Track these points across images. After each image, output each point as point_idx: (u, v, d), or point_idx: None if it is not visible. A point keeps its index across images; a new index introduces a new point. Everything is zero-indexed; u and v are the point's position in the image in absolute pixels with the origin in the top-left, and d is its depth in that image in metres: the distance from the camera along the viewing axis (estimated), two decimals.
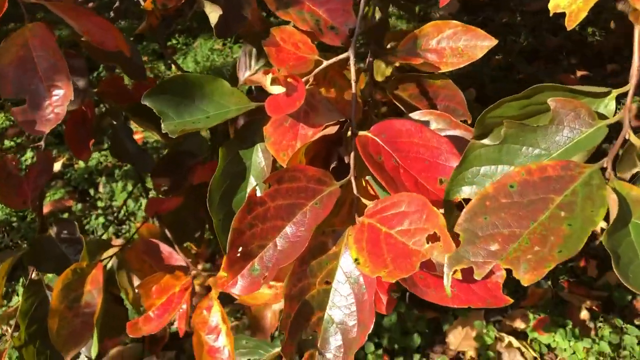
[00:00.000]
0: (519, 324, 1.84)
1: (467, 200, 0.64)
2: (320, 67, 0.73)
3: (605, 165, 0.54)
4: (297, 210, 0.62)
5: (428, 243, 0.54)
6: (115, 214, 2.47)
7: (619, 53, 2.75)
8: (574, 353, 1.72)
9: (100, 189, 2.63)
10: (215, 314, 0.94)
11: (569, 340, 1.73)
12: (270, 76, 0.62)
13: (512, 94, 0.81)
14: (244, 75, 1.09)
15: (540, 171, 0.53)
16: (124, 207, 2.39)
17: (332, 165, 0.70)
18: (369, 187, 0.71)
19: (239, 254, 0.60)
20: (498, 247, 0.50)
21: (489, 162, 0.60)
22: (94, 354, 1.06)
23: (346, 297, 0.61)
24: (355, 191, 0.65)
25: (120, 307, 1.27)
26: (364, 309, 0.59)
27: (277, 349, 1.03)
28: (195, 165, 1.25)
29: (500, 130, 0.67)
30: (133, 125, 1.50)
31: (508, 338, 1.80)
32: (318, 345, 0.60)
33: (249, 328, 1.82)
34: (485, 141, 0.67)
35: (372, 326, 0.58)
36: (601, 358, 1.70)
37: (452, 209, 0.63)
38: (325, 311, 0.61)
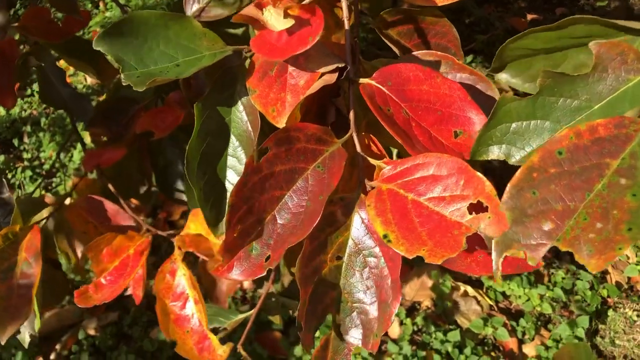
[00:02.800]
0: None
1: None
2: (306, 1, 0.61)
3: None
4: (296, 176, 0.52)
5: (471, 214, 0.45)
6: (44, 166, 2.26)
7: None
8: (529, 300, 1.73)
9: (25, 139, 2.40)
10: (180, 278, 0.84)
11: (524, 288, 1.74)
12: (270, 9, 0.50)
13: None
14: (192, 9, 0.94)
15: (590, 132, 0.45)
16: (54, 159, 2.19)
17: (332, 121, 0.60)
18: (370, 143, 0.61)
19: (236, 234, 0.50)
20: (552, 225, 0.42)
21: (521, 118, 0.51)
22: (36, 328, 0.94)
23: (360, 272, 0.52)
24: (359, 149, 0.56)
25: (58, 271, 1.14)
26: (385, 287, 0.51)
27: (240, 316, 0.94)
28: (137, 112, 1.11)
29: (521, 64, 0.60)
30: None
31: (464, 287, 1.79)
32: (333, 327, 0.52)
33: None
34: (514, 79, 0.60)
35: (397, 306, 0.50)
36: (554, 304, 1.72)
37: (477, 170, 0.55)
38: (338, 290, 0.52)
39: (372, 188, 0.52)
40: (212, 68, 0.61)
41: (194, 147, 0.59)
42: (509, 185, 0.43)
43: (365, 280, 0.51)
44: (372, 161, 0.54)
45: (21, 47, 1.07)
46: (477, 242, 0.53)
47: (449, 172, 0.47)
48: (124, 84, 0.51)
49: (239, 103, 0.61)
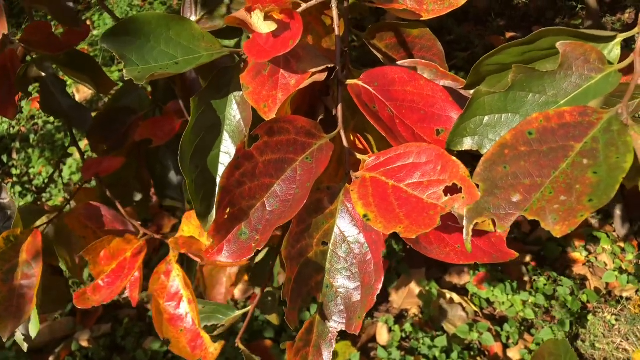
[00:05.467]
0: (460, 281, 1.88)
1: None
2: (299, 10, 0.66)
3: (620, 111, 0.51)
4: (286, 166, 0.56)
5: (446, 195, 0.50)
6: (33, 182, 2.28)
7: (543, 15, 2.82)
8: (512, 306, 1.78)
9: (14, 155, 2.42)
10: (175, 279, 0.87)
11: (507, 294, 1.79)
12: (258, 12, 0.55)
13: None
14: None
15: (558, 117, 0.50)
16: (47, 174, 2.21)
17: (320, 117, 0.64)
18: (357, 141, 0.66)
19: (226, 217, 0.54)
20: (520, 197, 0.47)
21: (493, 111, 0.56)
22: (34, 332, 0.96)
23: (345, 259, 0.56)
24: (345, 144, 0.60)
25: (59, 277, 1.16)
26: (368, 270, 0.55)
27: (237, 313, 0.97)
28: (135, 122, 1.15)
29: (494, 78, 0.64)
30: None
31: (450, 294, 1.83)
32: (318, 311, 0.56)
33: (197, 290, 1.74)
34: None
35: (380, 286, 0.54)
36: (537, 309, 1.77)
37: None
38: (323, 275, 0.56)
39: (357, 178, 0.57)
40: (208, 68, 0.65)
41: (188, 140, 0.63)
42: (482, 158, 0.47)
43: (350, 266, 0.55)
44: (358, 156, 0.58)
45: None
46: (458, 229, 0.57)
47: (427, 159, 0.52)
48: (125, 79, 0.56)
49: (233, 102, 0.66)
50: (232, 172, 0.53)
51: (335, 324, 0.54)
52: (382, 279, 0.53)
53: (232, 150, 0.66)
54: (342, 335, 1.76)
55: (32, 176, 2.34)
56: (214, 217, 0.54)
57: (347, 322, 0.54)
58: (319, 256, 0.55)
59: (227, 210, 0.53)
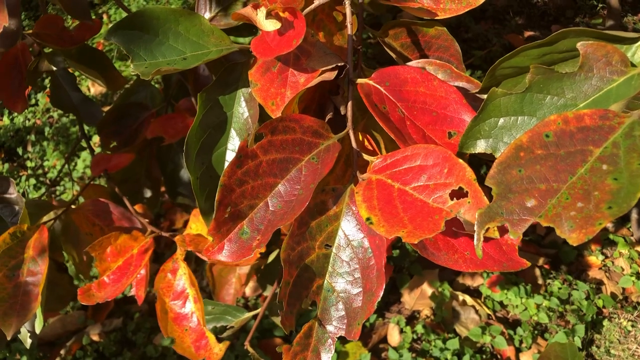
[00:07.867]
0: (473, 282, 1.85)
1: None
2: (311, 6, 0.64)
3: None
4: (291, 166, 0.54)
5: (452, 199, 0.48)
6: (48, 175, 2.29)
7: (562, 14, 2.77)
8: (526, 309, 1.75)
9: (29, 148, 2.43)
10: (181, 278, 0.86)
11: (521, 297, 1.76)
12: (263, 10, 0.53)
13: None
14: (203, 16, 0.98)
15: (577, 120, 0.47)
16: (60, 167, 2.22)
17: (328, 117, 0.62)
18: (366, 142, 0.64)
19: (227, 215, 0.52)
20: (535, 203, 0.45)
21: (509, 113, 0.54)
22: (38, 329, 0.95)
23: (348, 263, 0.54)
24: (354, 145, 0.58)
25: (63, 274, 1.15)
26: (370, 276, 0.53)
27: (246, 314, 0.96)
28: (147, 118, 1.14)
29: (510, 82, 0.62)
30: None
31: (462, 296, 1.80)
32: (318, 316, 0.54)
33: (206, 290, 1.73)
34: None
35: (381, 293, 0.52)
36: (551, 313, 1.74)
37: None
38: (325, 278, 0.55)
39: (363, 180, 0.55)
40: (220, 64, 0.64)
41: (194, 136, 0.62)
42: (497, 160, 0.45)
43: (353, 271, 0.53)
44: (366, 157, 0.57)
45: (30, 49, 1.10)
46: (467, 235, 0.55)
47: (434, 161, 0.50)
48: (132, 73, 0.55)
49: (242, 99, 0.64)
50: (234, 171, 0.52)
51: (335, 329, 0.53)
52: (384, 286, 0.52)
53: None
54: None
55: (46, 169, 2.35)
56: (215, 206, 0.53)
57: (347, 328, 0.52)
58: (322, 259, 0.54)
59: (228, 209, 0.52)
